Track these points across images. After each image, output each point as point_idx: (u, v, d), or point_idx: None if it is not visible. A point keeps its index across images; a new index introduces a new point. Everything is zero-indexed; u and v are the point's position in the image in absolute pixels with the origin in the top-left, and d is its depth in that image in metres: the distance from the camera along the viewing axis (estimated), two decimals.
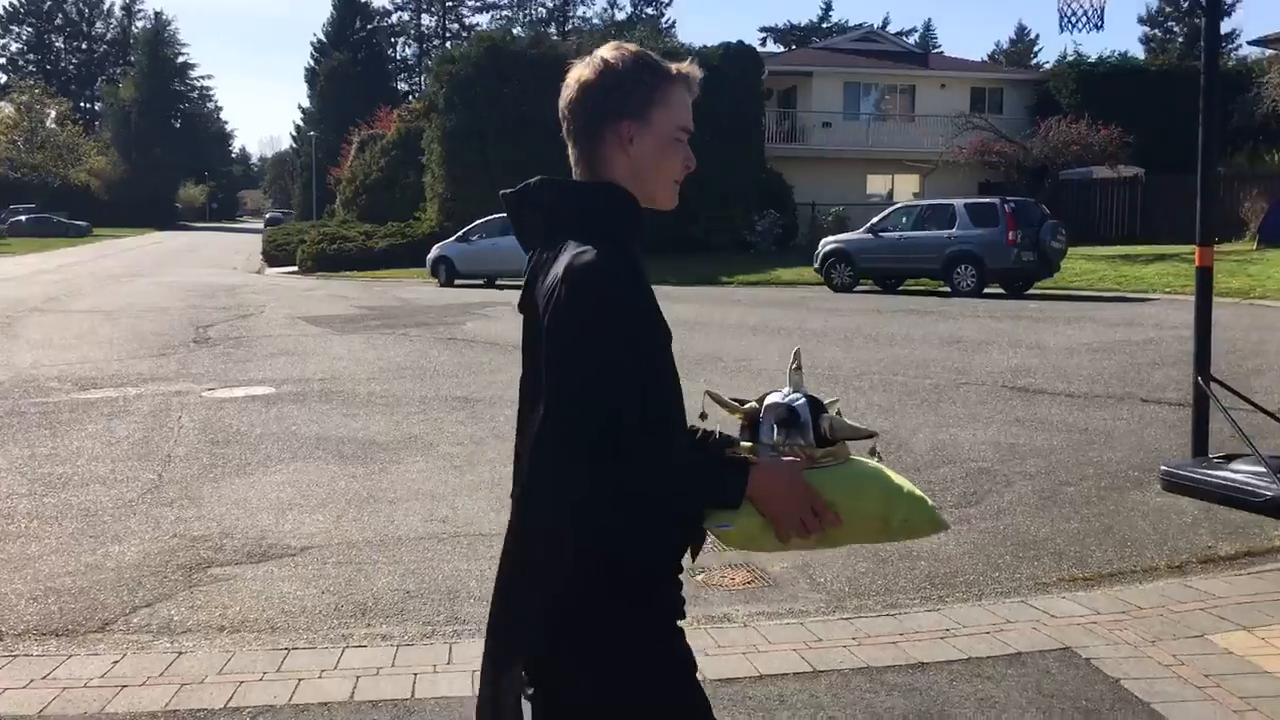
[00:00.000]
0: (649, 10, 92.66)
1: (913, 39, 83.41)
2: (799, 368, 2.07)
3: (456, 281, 27.58)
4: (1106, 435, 8.31)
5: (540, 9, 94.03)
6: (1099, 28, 7.88)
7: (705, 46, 37.11)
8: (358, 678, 4.12)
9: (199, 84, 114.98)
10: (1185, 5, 74.73)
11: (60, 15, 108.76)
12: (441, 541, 5.89)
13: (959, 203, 22.70)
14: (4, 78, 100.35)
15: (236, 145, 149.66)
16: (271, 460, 7.84)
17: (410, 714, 3.83)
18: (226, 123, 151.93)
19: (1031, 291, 21.46)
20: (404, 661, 4.28)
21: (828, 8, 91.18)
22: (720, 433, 2.06)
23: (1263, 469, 6.21)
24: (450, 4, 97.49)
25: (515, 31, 50.73)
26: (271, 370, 12.17)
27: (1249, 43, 43.42)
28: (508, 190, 2.01)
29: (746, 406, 2.03)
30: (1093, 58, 42.99)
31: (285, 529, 6.15)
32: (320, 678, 4.13)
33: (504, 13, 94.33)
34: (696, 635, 4.15)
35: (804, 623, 4.63)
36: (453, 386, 10.95)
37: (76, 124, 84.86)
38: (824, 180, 39.07)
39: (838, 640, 4.39)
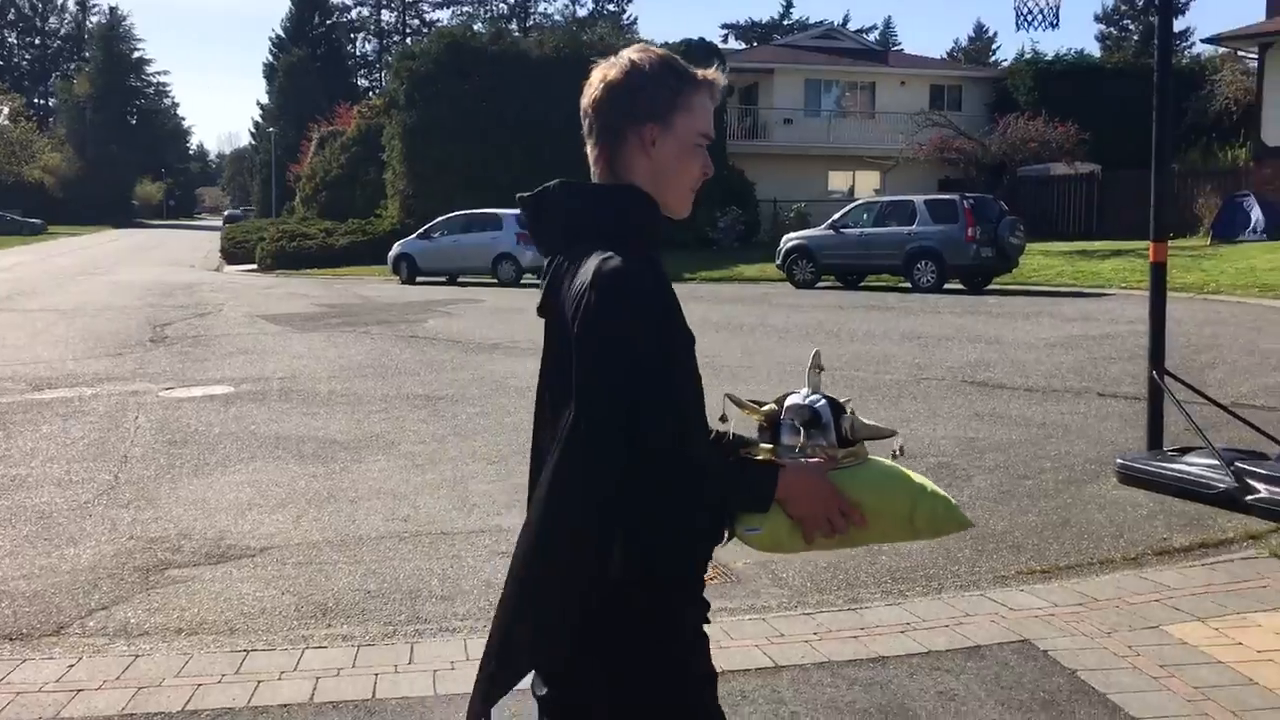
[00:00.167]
0: (610, 6, 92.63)
1: (873, 36, 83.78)
2: (819, 368, 2.07)
3: (418, 279, 27.42)
4: (1064, 429, 8.41)
5: (501, 5, 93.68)
6: (1054, 26, 7.99)
7: (667, 43, 37.13)
8: (318, 679, 4.09)
9: (155, 80, 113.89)
10: (1140, 4, 75.77)
11: (13, 10, 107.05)
12: (403, 540, 5.86)
13: (919, 199, 22.89)
14: None
15: (194, 142, 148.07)
16: (230, 460, 7.77)
17: (371, 715, 3.81)
18: (184, 119, 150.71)
19: (991, 287, 21.66)
20: (365, 662, 4.25)
21: (789, 5, 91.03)
22: (734, 435, 2.04)
23: (1216, 462, 6.30)
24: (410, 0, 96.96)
25: (476, 28, 50.42)
26: (230, 369, 12.05)
27: (1202, 41, 43.97)
28: (525, 194, 1.99)
29: (765, 408, 2.02)
30: (1050, 56, 43.51)
31: (244, 529, 6.09)
32: (280, 679, 4.09)
33: (465, 8, 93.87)
34: None
35: (766, 618, 4.64)
36: (414, 385, 10.89)
37: (30, 120, 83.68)
38: (786, 177, 39.26)
39: (799, 635, 4.42)
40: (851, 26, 79.66)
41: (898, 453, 2.05)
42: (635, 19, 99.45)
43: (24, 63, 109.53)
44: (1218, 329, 13.92)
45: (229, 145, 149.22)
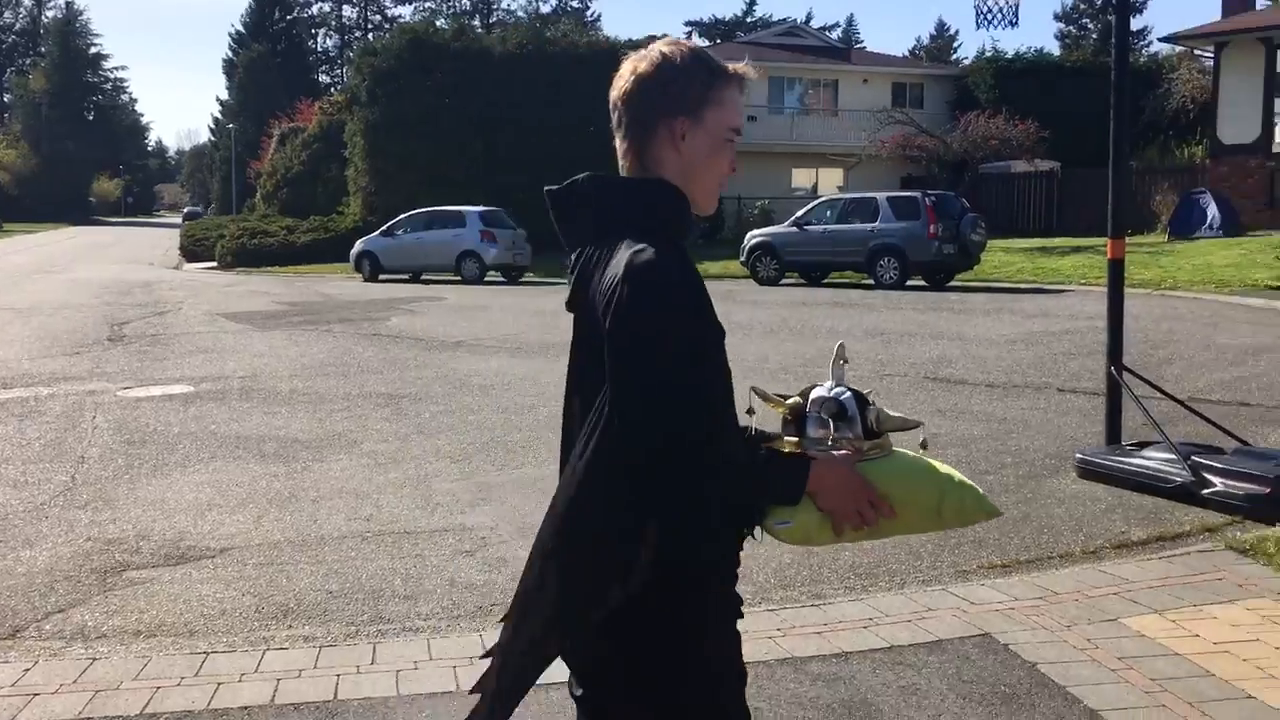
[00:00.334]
0: (574, 3, 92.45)
1: (835, 34, 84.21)
2: (844, 360, 2.08)
3: (381, 276, 27.26)
4: (1024, 424, 8.48)
5: (464, 1, 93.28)
6: (1014, 24, 8.06)
7: (630, 40, 37.14)
8: (279, 680, 4.05)
9: (113, 75, 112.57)
10: (1098, 3, 76.59)
11: None
12: (365, 540, 5.83)
13: (882, 196, 23.02)
14: None
15: (153, 138, 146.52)
16: (190, 460, 7.69)
17: (333, 716, 3.78)
18: (142, 115, 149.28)
19: (952, 284, 21.83)
20: (327, 663, 4.22)
21: (752, 2, 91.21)
22: (756, 429, 2.04)
23: (1173, 456, 6.38)
24: None
25: (438, 24, 50.13)
26: (190, 368, 11.92)
27: (1159, 39, 44.53)
28: (553, 187, 1.97)
29: (790, 401, 2.03)
30: (1010, 54, 43.94)
31: (204, 530, 6.03)
32: (240, 681, 4.05)
33: (427, 4, 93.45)
34: None
35: None
36: (377, 383, 10.83)
37: None
38: (749, 174, 39.19)
39: (763, 631, 4.42)
40: (814, 24, 79.91)
41: (923, 444, 2.06)
42: (599, 16, 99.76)
43: None
44: (1175, 324, 14.10)
45: (188, 142, 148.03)
